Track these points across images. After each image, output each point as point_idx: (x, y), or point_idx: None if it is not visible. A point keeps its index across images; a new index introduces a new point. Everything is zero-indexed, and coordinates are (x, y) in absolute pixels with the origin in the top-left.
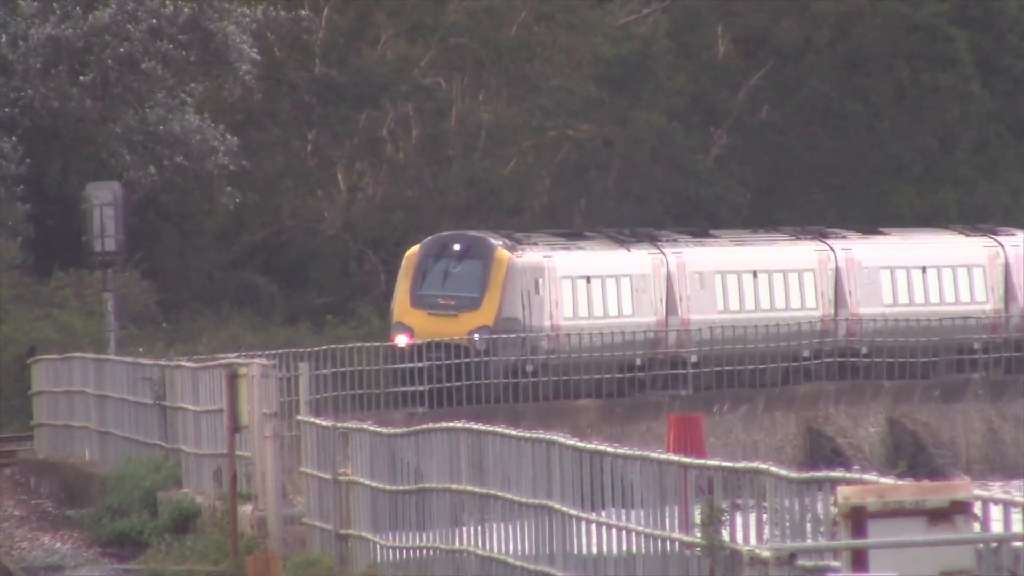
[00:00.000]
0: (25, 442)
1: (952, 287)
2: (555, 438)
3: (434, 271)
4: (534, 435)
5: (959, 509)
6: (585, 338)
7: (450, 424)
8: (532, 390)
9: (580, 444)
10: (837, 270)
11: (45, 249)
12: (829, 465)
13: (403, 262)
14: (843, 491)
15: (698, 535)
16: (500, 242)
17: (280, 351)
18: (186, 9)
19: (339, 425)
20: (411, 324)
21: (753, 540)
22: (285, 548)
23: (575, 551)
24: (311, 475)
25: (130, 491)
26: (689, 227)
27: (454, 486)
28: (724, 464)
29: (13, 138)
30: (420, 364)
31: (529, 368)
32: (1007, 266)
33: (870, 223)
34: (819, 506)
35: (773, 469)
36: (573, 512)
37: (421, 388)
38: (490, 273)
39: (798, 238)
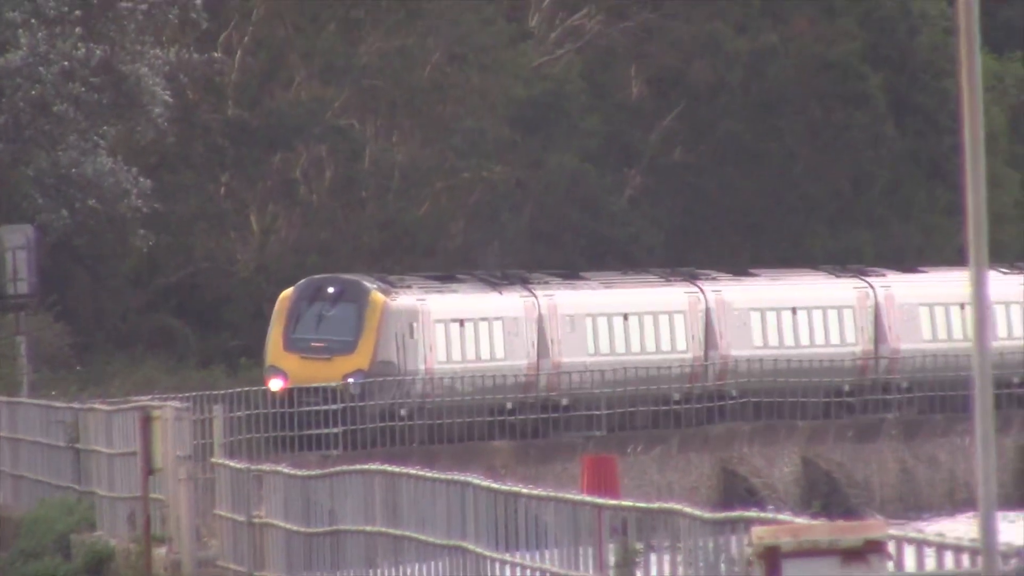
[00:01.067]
0: None
1: (822, 328)
2: (469, 479)
3: (308, 314)
4: (448, 476)
5: (873, 548)
6: (458, 382)
7: (364, 466)
8: (408, 433)
9: (494, 485)
10: (707, 311)
11: None
12: (743, 505)
13: (276, 305)
14: (757, 531)
15: (612, 575)
16: (375, 285)
17: (194, 393)
18: (98, 51)
19: (253, 467)
20: (285, 368)
21: None
22: None
23: None
24: (226, 517)
25: (43, 534)
26: (603, 268)
27: (368, 528)
28: (638, 504)
29: None
30: (333, 407)
31: (403, 412)
32: (877, 307)
33: (783, 263)
34: (733, 546)
35: (687, 509)
36: (488, 553)
37: (335, 430)
38: (365, 316)
39: (669, 280)
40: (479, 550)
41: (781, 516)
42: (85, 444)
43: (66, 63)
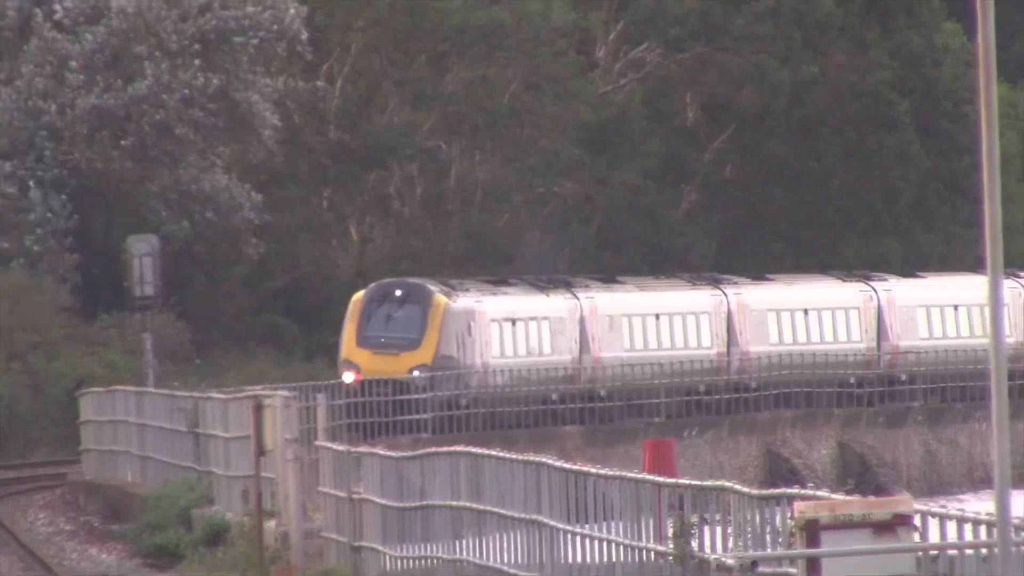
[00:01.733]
0: (74, 465)
1: (831, 327)
2: (544, 460)
3: (378, 314)
4: (525, 458)
5: (901, 521)
6: (510, 375)
7: (451, 448)
8: (466, 421)
9: (566, 466)
10: (729, 312)
11: (91, 294)
12: (786, 483)
13: (350, 306)
14: (799, 506)
15: (671, 546)
16: (437, 288)
17: (300, 384)
18: (215, 80)
19: (352, 450)
20: (357, 362)
21: (720, 550)
22: (305, 559)
23: (562, 561)
24: (328, 494)
25: (167, 509)
26: (662, 273)
27: (454, 503)
28: (693, 483)
29: (62, 196)
30: (424, 395)
31: (463, 401)
32: (879, 308)
33: (821, 269)
34: (778, 519)
35: (737, 487)
36: (560, 526)
37: (425, 416)
38: (428, 316)
39: (695, 284)
40: (552, 523)
41: (820, 493)
42: (204, 429)
43: (186, 91)
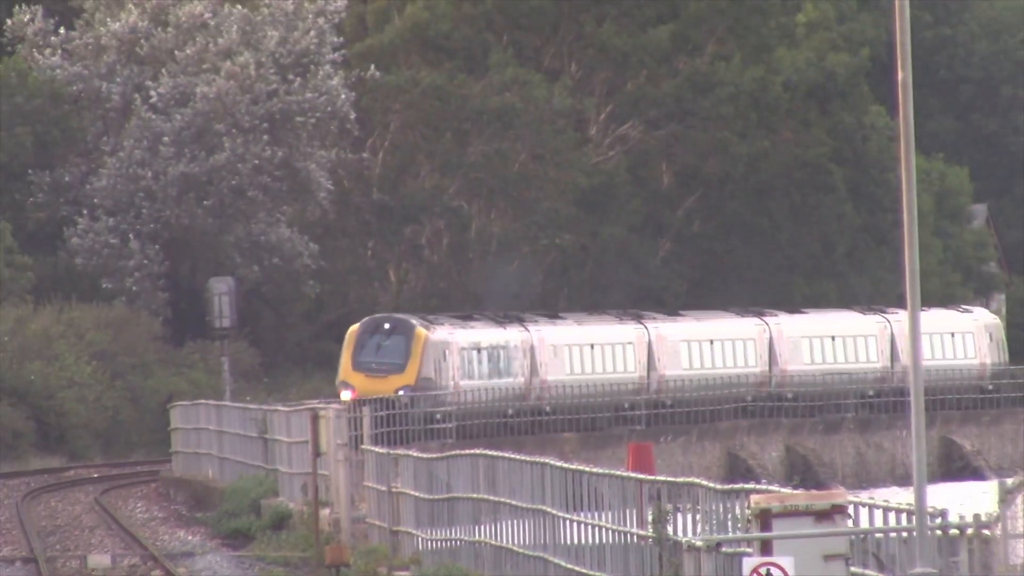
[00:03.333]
0: (165, 464)
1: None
2: (547, 461)
3: (370, 343)
4: (532, 459)
5: (837, 510)
6: (478, 394)
7: (471, 451)
8: (443, 432)
9: (565, 465)
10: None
11: (179, 326)
12: (744, 480)
13: (346, 336)
14: (755, 498)
15: (650, 530)
16: (418, 322)
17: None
18: (280, 152)
19: (392, 452)
20: (353, 383)
21: (690, 533)
22: (353, 540)
23: (563, 542)
24: (372, 488)
25: (241, 500)
26: (644, 309)
27: (474, 495)
28: (668, 479)
29: (156, 246)
30: (447, 408)
31: (438, 416)
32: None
33: (772, 306)
34: (737, 509)
35: (704, 482)
36: (561, 514)
37: (450, 425)
38: (411, 345)
39: (621, 319)
40: (554, 512)
41: (771, 488)
42: (271, 435)
43: (257, 161)
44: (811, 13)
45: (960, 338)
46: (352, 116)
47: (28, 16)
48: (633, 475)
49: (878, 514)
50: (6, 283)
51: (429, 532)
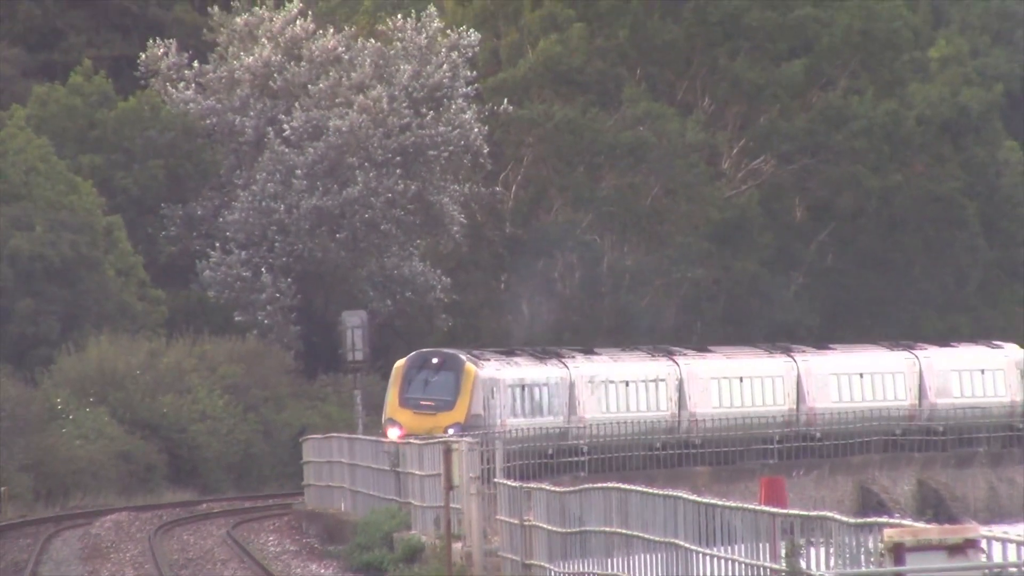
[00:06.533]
0: (298, 497)
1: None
2: (679, 495)
3: (417, 379)
4: (664, 492)
5: (970, 545)
6: (522, 432)
7: (604, 484)
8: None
9: (698, 499)
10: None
11: (312, 359)
12: (876, 513)
13: (392, 372)
14: (888, 532)
15: (783, 564)
16: (467, 357)
17: (481, 433)
18: (413, 186)
19: (524, 485)
20: (400, 420)
21: (823, 568)
22: (485, 574)
23: None
24: (504, 521)
25: (374, 533)
26: (775, 343)
27: (607, 528)
28: (801, 513)
29: (288, 279)
30: (582, 442)
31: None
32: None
33: (906, 339)
34: (870, 543)
35: (837, 516)
36: (693, 547)
37: (582, 459)
38: (461, 382)
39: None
40: (687, 545)
41: (904, 522)
42: (403, 468)
43: (390, 195)
44: (944, 48)
45: (991, 375)
46: (485, 150)
47: (162, 50)
48: (766, 508)
49: (1011, 548)
50: (139, 316)
51: (561, 566)
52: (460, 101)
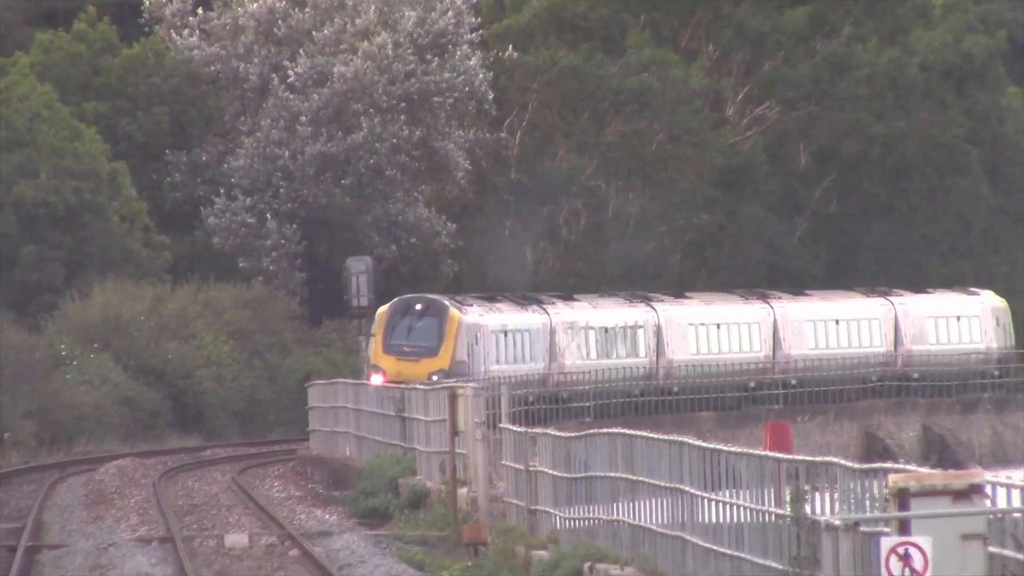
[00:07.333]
0: (303, 443)
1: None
2: (685, 440)
3: (400, 325)
4: (670, 438)
5: (975, 490)
6: (505, 378)
7: (609, 430)
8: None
9: (703, 444)
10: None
11: (317, 305)
12: (881, 459)
13: (376, 318)
14: (892, 477)
15: (788, 509)
16: (450, 303)
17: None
18: (417, 132)
19: (529, 431)
20: (383, 367)
21: (828, 513)
22: (491, 519)
23: (700, 521)
24: (509, 466)
25: (379, 478)
26: (780, 289)
27: (612, 474)
28: (806, 458)
29: (293, 225)
30: (585, 387)
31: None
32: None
33: (908, 286)
34: (875, 488)
35: (842, 462)
36: (698, 493)
37: (588, 404)
38: (445, 328)
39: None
40: (692, 490)
41: (909, 467)
42: (409, 414)
43: (394, 141)
44: None
45: (966, 322)
46: (489, 96)
47: None
48: (771, 454)
49: (1015, 494)
50: (144, 263)
51: (567, 511)
52: (465, 47)
